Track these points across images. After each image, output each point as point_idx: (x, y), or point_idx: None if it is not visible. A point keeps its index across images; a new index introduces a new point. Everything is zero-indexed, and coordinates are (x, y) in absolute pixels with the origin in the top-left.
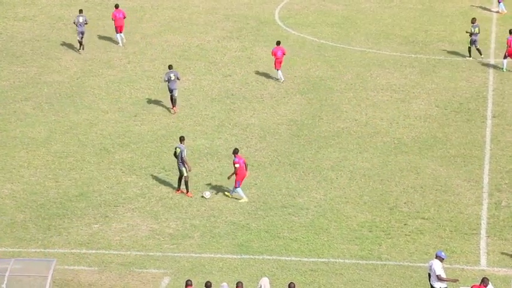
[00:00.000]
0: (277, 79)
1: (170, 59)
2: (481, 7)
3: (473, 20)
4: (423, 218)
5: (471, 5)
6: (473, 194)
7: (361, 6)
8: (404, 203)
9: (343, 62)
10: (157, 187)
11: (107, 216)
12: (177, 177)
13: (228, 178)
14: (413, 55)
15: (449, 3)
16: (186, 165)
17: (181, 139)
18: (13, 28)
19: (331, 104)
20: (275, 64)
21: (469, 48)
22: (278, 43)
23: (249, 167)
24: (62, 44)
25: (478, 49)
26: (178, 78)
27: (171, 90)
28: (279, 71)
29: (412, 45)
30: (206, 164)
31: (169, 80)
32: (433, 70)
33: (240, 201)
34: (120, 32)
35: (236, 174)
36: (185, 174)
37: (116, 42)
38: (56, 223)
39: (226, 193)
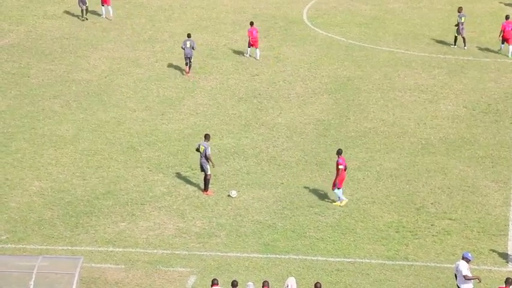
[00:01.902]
0: (253, 57)
1: (198, 57)
2: (510, 5)
3: (459, 9)
4: (450, 219)
5: (499, 2)
6: (501, 195)
7: (389, 7)
8: (432, 203)
9: (371, 62)
10: (184, 186)
11: (133, 215)
12: (202, 174)
13: (333, 183)
14: (441, 56)
15: (479, 3)
16: (210, 163)
17: (206, 137)
18: (42, 26)
19: (358, 104)
20: (253, 43)
21: (455, 37)
22: (252, 23)
23: (275, 167)
24: (90, 43)
25: (463, 37)
26: (193, 48)
27: (186, 57)
28: (257, 50)
29: (441, 45)
30: (233, 163)
31: (184, 48)
32: (461, 71)
33: (333, 203)
34: (107, 4)
35: (337, 176)
36: (208, 173)
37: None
38: (83, 221)
39: (335, 203)
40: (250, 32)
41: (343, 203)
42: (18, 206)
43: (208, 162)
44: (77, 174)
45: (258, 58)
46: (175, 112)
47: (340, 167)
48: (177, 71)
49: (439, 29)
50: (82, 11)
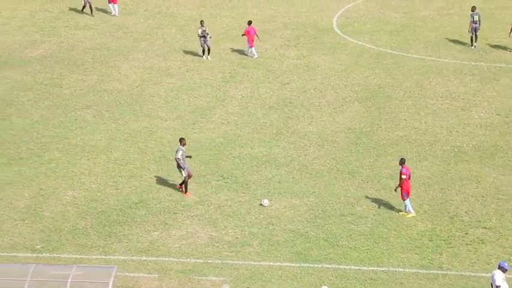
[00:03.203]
0: (251, 56)
1: (228, 67)
2: None
3: (473, 8)
4: (485, 228)
5: None
6: None
7: (420, 14)
8: (465, 212)
9: (401, 69)
10: (216, 195)
11: (166, 224)
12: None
13: (395, 190)
14: (473, 63)
15: (511, 10)
16: (180, 166)
17: (181, 141)
18: (74, 37)
19: (389, 112)
20: (249, 42)
21: (471, 37)
22: (250, 23)
23: (307, 175)
24: (121, 53)
25: (475, 36)
26: (209, 36)
27: (203, 43)
28: (253, 48)
29: (472, 52)
30: (264, 172)
31: (203, 35)
32: (493, 78)
33: (408, 216)
34: (114, 3)
35: (402, 186)
36: (183, 175)
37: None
38: (117, 230)
39: (401, 212)
40: (248, 32)
41: (410, 214)
42: (52, 215)
43: (180, 165)
44: (110, 183)
45: (254, 57)
46: (206, 121)
47: (403, 176)
48: (208, 80)
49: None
50: (90, 7)
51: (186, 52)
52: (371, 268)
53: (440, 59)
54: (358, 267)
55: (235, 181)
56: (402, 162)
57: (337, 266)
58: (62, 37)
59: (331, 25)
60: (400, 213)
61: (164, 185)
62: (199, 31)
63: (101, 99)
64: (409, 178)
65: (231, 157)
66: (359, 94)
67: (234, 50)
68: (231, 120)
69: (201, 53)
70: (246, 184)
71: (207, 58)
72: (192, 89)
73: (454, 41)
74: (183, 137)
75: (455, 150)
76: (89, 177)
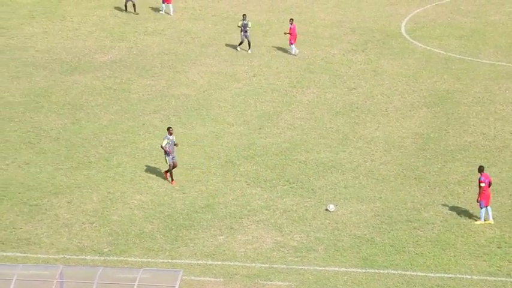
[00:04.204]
0: (292, 54)
1: (295, 72)
2: None
3: None
4: None
5: None
6: None
7: (490, 19)
8: None
9: (471, 75)
10: (282, 200)
11: (232, 228)
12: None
13: (477, 201)
14: None
15: None
16: (166, 154)
17: (168, 129)
18: (143, 42)
19: (458, 117)
20: (292, 40)
21: None
22: (291, 21)
23: (373, 181)
24: (189, 58)
25: None
26: (249, 27)
27: (244, 36)
28: (293, 46)
29: None
30: (330, 177)
31: (245, 27)
32: None
33: (476, 222)
34: (168, 3)
35: (481, 194)
36: (167, 163)
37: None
38: (183, 234)
39: (486, 222)
40: (293, 30)
41: (487, 222)
42: (120, 219)
43: (165, 153)
44: (177, 187)
45: (296, 53)
46: (273, 126)
47: (482, 184)
48: (275, 85)
49: None
50: (134, 5)
51: (253, 57)
52: (438, 275)
53: (510, 64)
54: (424, 274)
55: (301, 186)
56: (481, 170)
57: (403, 272)
58: (131, 42)
59: (399, 30)
60: (475, 223)
61: (230, 190)
62: (240, 23)
63: (169, 104)
64: (488, 186)
65: (297, 162)
66: (427, 99)
67: (301, 55)
68: (298, 125)
69: (238, 44)
70: (312, 189)
71: (239, 50)
72: (258, 94)
73: None
74: (170, 126)
75: None
76: (156, 181)
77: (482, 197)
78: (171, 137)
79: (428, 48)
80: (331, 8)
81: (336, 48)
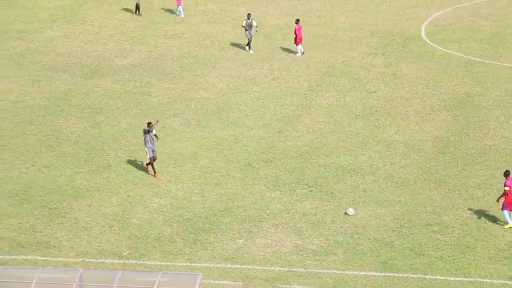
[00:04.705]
0: (298, 54)
1: (315, 75)
2: None
3: None
4: None
5: None
6: None
7: (510, 22)
8: None
9: (491, 78)
10: (301, 203)
11: (251, 232)
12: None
13: (497, 201)
14: None
15: None
16: (146, 146)
17: (148, 124)
18: (163, 46)
19: (478, 120)
20: (298, 40)
21: None
22: (297, 21)
23: (392, 184)
24: (209, 61)
25: None
26: (253, 25)
27: (249, 35)
28: (300, 46)
29: None
30: (349, 181)
31: (249, 27)
32: None
33: (505, 226)
34: (178, 4)
35: (505, 197)
36: (148, 156)
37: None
38: (202, 237)
39: (506, 226)
40: (298, 30)
41: (507, 226)
42: (139, 222)
43: (146, 145)
44: (196, 191)
45: (302, 53)
46: (292, 129)
47: (506, 188)
48: (294, 88)
49: None
50: (137, 6)
51: (273, 60)
52: (457, 279)
53: None
54: (444, 278)
55: (321, 189)
56: (507, 174)
57: (422, 276)
58: (150, 46)
59: (419, 33)
60: (505, 226)
61: (249, 193)
62: (244, 23)
63: (188, 108)
64: None
65: (317, 165)
66: (447, 103)
67: (320, 58)
68: (317, 128)
69: (245, 45)
70: (331, 193)
71: (249, 50)
72: (278, 97)
73: None
74: (150, 121)
75: None
76: (175, 184)
77: (507, 201)
78: (151, 130)
79: (448, 51)
80: (351, 11)
81: (356, 52)
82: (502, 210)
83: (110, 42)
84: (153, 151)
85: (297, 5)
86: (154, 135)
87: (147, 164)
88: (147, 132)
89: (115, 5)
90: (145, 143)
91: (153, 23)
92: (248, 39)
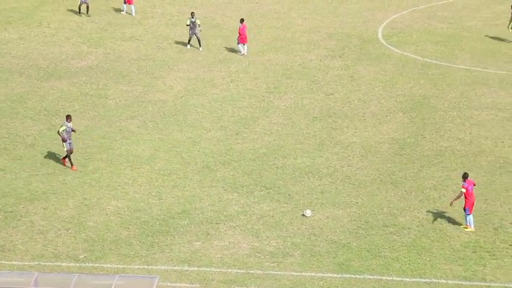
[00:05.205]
0: (242, 53)
1: (272, 77)
2: None
3: None
4: None
5: None
6: None
7: (466, 25)
8: (510, 223)
9: (447, 80)
10: (259, 205)
11: (208, 234)
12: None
13: (450, 204)
14: None
15: None
16: (63, 140)
17: (67, 117)
18: (120, 48)
19: (434, 122)
20: (241, 39)
21: None
22: (242, 20)
23: (350, 186)
24: (166, 64)
25: None
26: (197, 24)
27: (192, 34)
28: (245, 45)
29: None
30: (307, 183)
31: (193, 25)
32: None
33: (466, 229)
34: (129, 3)
35: (466, 200)
36: (65, 149)
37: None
38: (159, 240)
39: (462, 226)
40: (242, 30)
41: (469, 229)
42: (95, 225)
43: (62, 139)
44: (153, 193)
45: (242, 53)
46: (250, 132)
47: (462, 190)
48: (252, 90)
49: None
50: (87, 7)
51: (231, 63)
52: (413, 279)
53: (486, 70)
54: (400, 279)
55: (278, 191)
56: (465, 176)
57: (379, 277)
58: (108, 48)
59: (376, 36)
60: (460, 226)
61: (207, 195)
62: (188, 21)
63: (146, 110)
64: (471, 191)
65: (274, 167)
66: (403, 105)
67: (278, 61)
68: (275, 130)
69: (187, 42)
70: (289, 194)
71: (189, 47)
72: (235, 99)
73: (501, 52)
74: (69, 114)
75: (501, 161)
76: (132, 187)
77: (468, 204)
78: (69, 124)
79: (404, 53)
80: (309, 14)
81: (313, 54)
82: (470, 214)
83: (67, 44)
84: (70, 144)
85: (255, 8)
86: (73, 130)
87: (64, 158)
88: (65, 125)
89: (72, 7)
90: (63, 138)
91: (111, 25)
92: (190, 37)
